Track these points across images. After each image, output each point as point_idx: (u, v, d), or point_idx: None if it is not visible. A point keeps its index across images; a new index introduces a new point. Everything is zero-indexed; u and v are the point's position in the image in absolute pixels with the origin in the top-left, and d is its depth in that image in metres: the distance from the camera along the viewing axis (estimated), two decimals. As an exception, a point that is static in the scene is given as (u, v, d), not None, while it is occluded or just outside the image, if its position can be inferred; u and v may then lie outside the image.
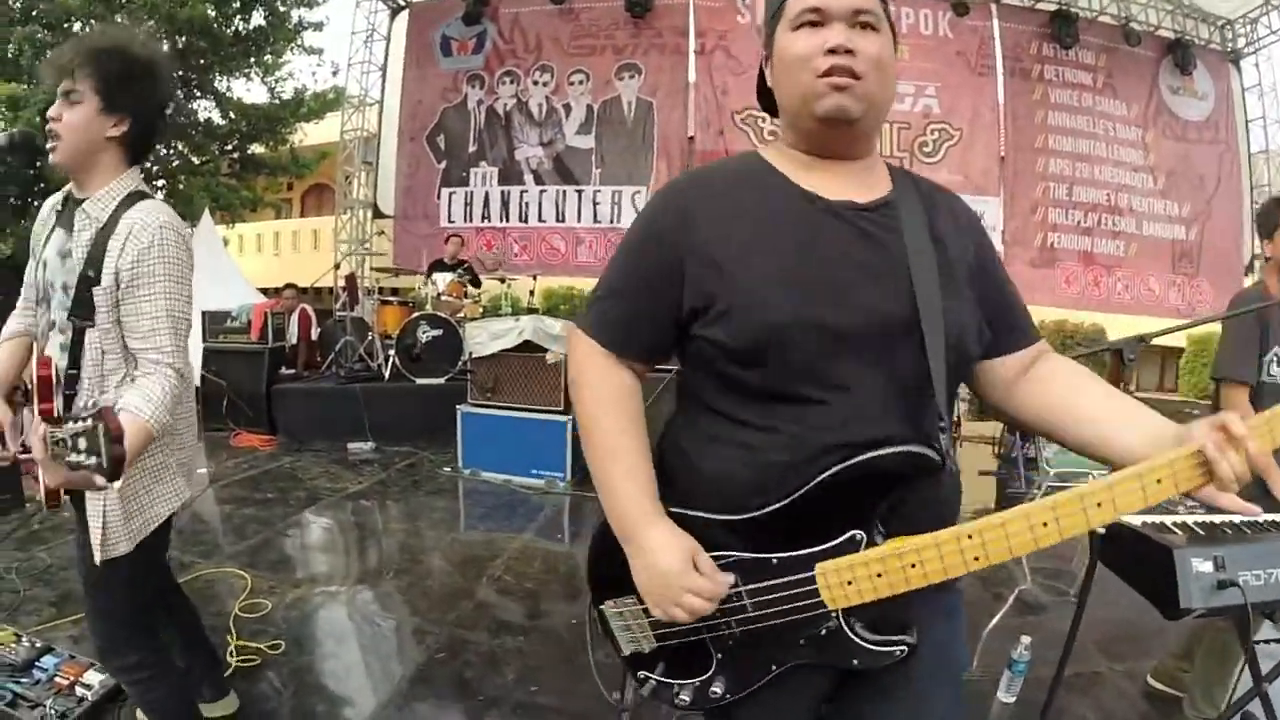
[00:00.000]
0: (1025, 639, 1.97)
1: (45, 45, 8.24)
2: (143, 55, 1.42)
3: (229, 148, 10.09)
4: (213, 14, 8.67)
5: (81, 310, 1.36)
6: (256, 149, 10.18)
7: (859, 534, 0.85)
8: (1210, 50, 7.93)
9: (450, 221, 8.27)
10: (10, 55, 8.50)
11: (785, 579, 0.88)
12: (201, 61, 8.99)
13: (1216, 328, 5.60)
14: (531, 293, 7.15)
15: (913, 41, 7.41)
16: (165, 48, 8.74)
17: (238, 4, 8.98)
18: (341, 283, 7.69)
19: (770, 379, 0.88)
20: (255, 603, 2.98)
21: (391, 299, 6.98)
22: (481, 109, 8.25)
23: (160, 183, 9.41)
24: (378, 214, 8.71)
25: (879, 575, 0.83)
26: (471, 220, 8.24)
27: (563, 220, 7.96)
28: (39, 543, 3.53)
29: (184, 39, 8.54)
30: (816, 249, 0.88)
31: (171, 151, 9.37)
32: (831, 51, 0.87)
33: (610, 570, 0.97)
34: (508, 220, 8.14)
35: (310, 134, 10.44)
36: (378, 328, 6.79)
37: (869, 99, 0.88)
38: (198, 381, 6.05)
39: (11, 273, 9.48)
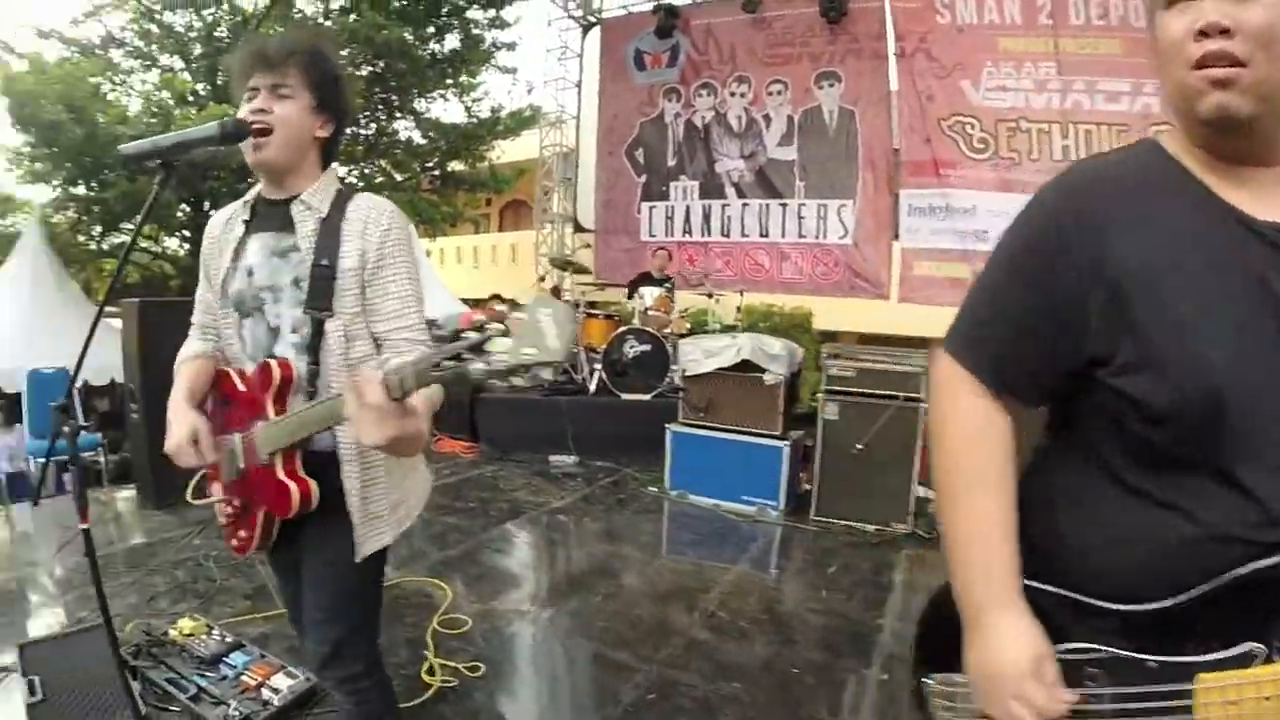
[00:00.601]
0: None
1: None
2: (341, 63, 1.73)
3: (430, 165, 12.18)
4: (410, 38, 10.53)
5: (319, 301, 1.59)
6: (456, 166, 12.25)
7: (1257, 648, 0.84)
8: None
9: (651, 235, 10.08)
10: (220, 83, 11.08)
11: (1159, 688, 0.88)
12: (400, 84, 10.97)
13: None
14: (739, 309, 8.63)
15: (1124, 36, 8.42)
16: (366, 71, 11.28)
17: (433, 29, 10.95)
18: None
19: (1191, 448, 0.87)
20: (455, 618, 3.41)
21: (596, 312, 8.45)
22: (679, 122, 9.89)
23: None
24: (578, 228, 10.71)
25: (1267, 699, 0.82)
26: (673, 234, 9.98)
27: (766, 235, 9.56)
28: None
29: (383, 62, 10.89)
30: (1263, 291, 0.85)
31: (375, 168, 12.07)
32: (1202, 34, 0.83)
33: (945, 642, 1.04)
34: (709, 234, 9.84)
35: (508, 151, 12.78)
36: (582, 341, 8.11)
37: (1259, 90, 0.83)
38: None
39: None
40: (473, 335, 1.21)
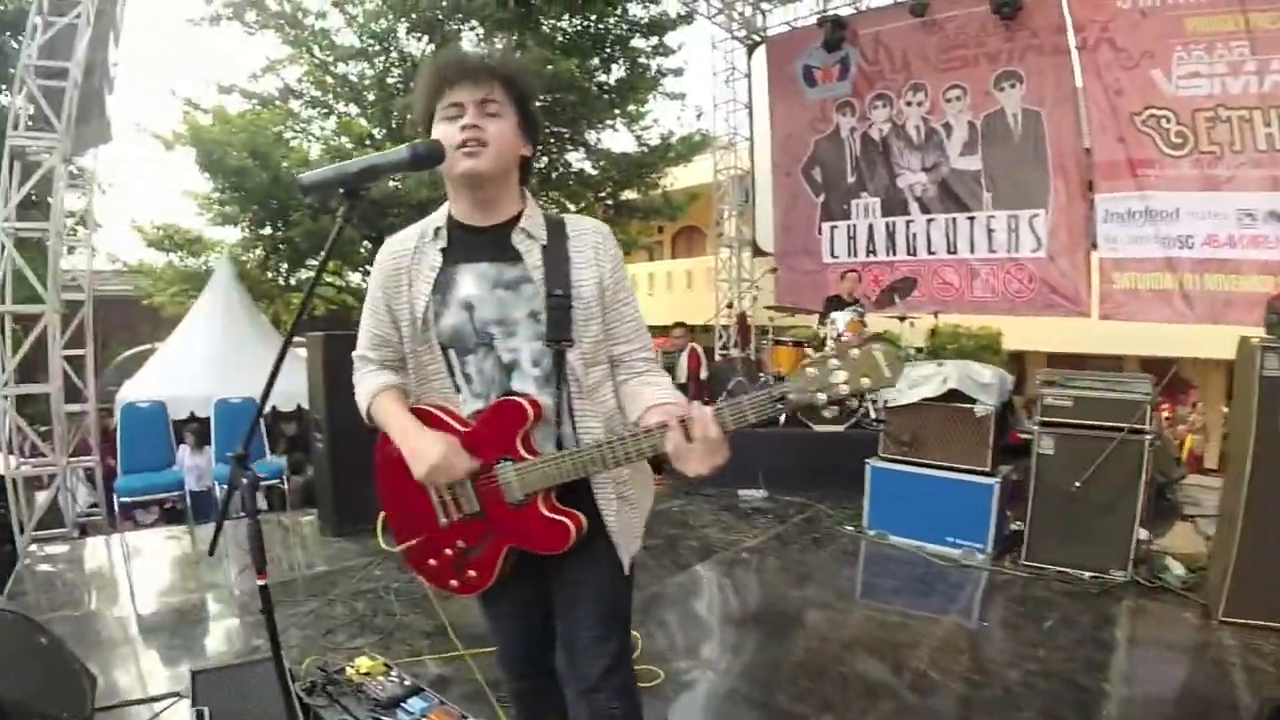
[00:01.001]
0: None
1: None
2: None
3: (602, 194, 14.90)
4: (577, 71, 12.84)
5: (560, 332, 1.98)
6: (629, 195, 14.92)
7: None
8: None
9: (834, 257, 11.66)
10: (394, 125, 13.82)
11: None
12: (570, 115, 13.45)
13: None
14: (933, 332, 9.94)
15: None
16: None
17: (598, 60, 13.46)
18: (729, 321, 12.02)
19: None
20: (647, 669, 3.83)
21: (784, 339, 9.78)
22: (855, 136, 11.39)
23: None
24: (757, 252, 12.63)
25: None
26: (856, 255, 11.48)
27: (954, 251, 10.79)
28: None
29: (552, 96, 13.24)
30: None
31: (548, 200, 14.65)
32: None
33: None
34: (894, 254, 11.24)
35: (680, 177, 15.11)
36: (770, 368, 9.37)
37: None
38: None
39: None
40: (810, 371, 1.73)
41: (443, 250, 2.13)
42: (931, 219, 11.12)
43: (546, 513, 2.10)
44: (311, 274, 15.22)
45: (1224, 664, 4.30)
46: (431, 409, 2.21)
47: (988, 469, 5.89)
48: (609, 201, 15.25)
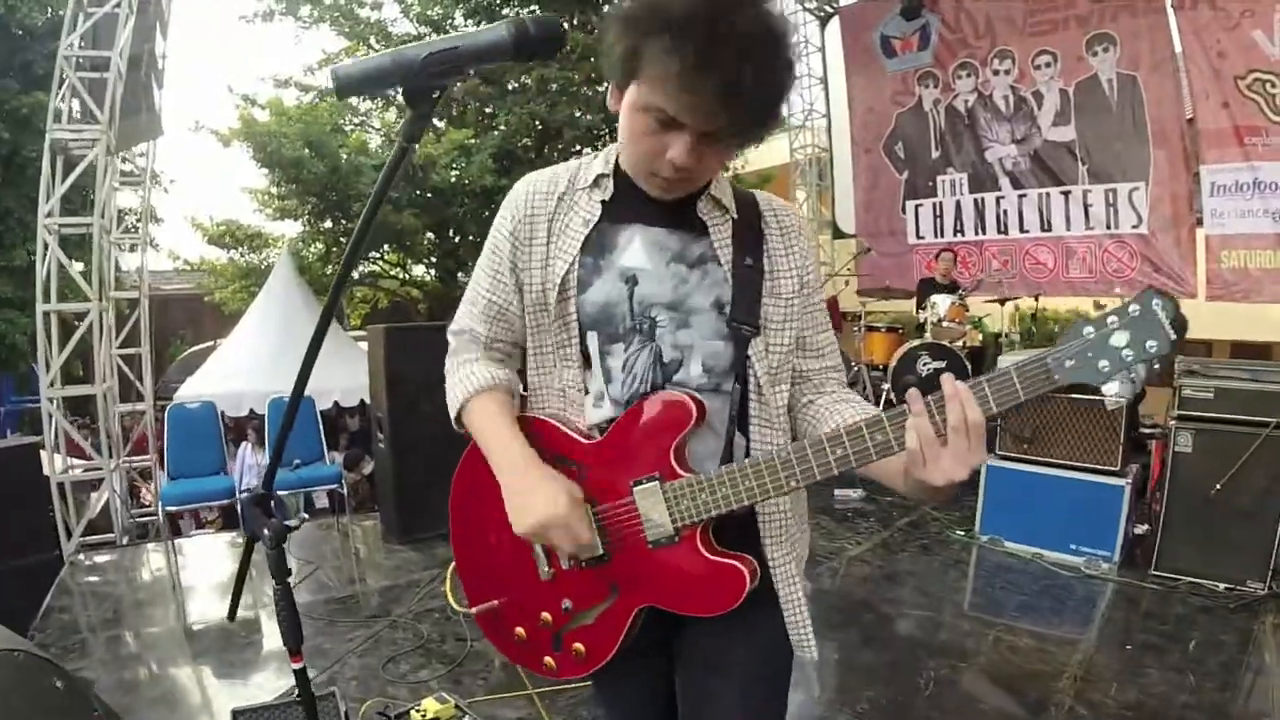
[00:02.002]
0: None
1: (487, 97, 13.79)
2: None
3: None
4: None
5: (747, 316, 1.66)
6: None
7: None
8: None
9: (920, 237, 11.70)
10: (454, 114, 14.13)
11: None
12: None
13: None
14: (1034, 315, 10.02)
15: None
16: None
17: None
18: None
19: None
20: None
21: (877, 325, 9.70)
22: (939, 109, 11.37)
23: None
24: (837, 234, 12.69)
25: None
26: (943, 234, 11.50)
27: (1049, 229, 10.72)
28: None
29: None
30: None
31: None
32: None
33: None
34: (983, 232, 11.21)
35: (750, 159, 15.10)
36: (863, 357, 9.31)
37: None
38: None
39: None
40: (1088, 331, 1.39)
41: (603, 203, 1.73)
42: (1023, 194, 11.03)
43: (707, 554, 1.60)
44: (375, 267, 15.37)
45: None
46: (552, 423, 1.75)
47: (1118, 468, 5.67)
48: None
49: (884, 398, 8.29)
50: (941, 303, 8.87)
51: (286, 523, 1.78)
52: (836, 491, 7.62)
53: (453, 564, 1.91)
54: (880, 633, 4.98)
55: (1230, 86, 9.59)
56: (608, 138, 14.77)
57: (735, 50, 1.39)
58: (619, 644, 1.69)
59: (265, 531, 1.72)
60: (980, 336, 9.57)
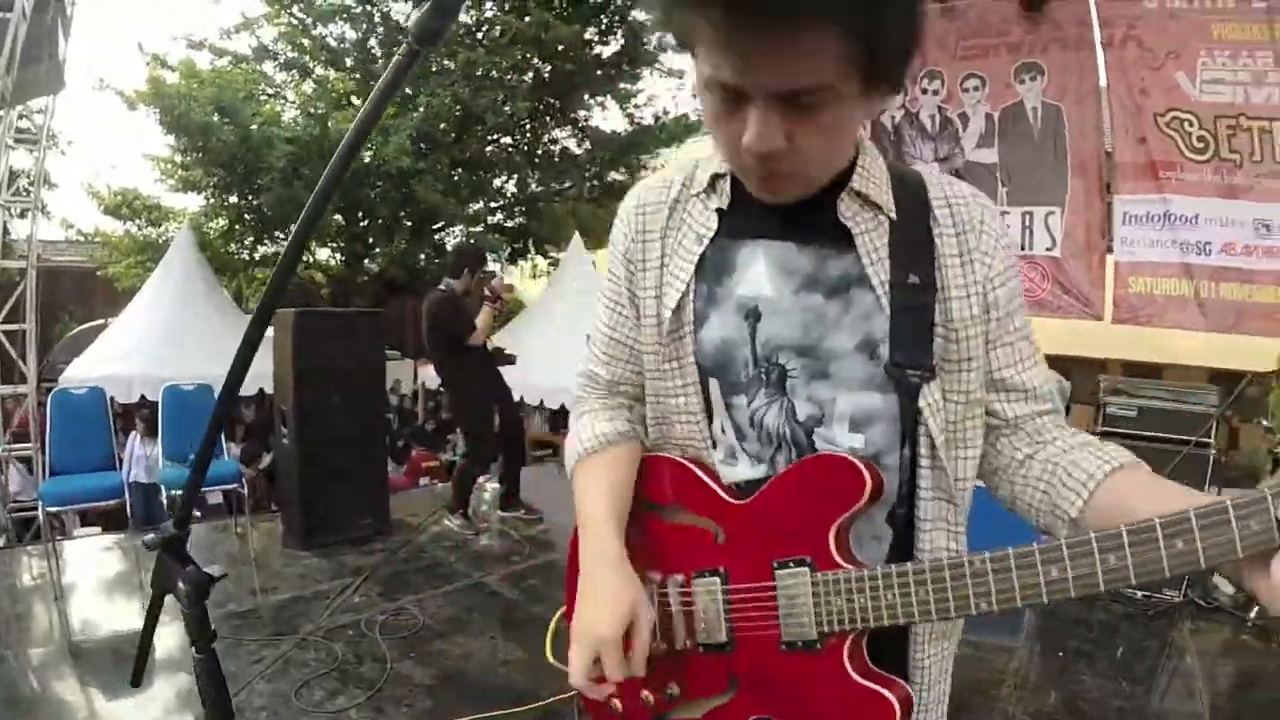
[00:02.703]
0: None
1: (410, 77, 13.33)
2: None
3: (588, 175, 15.08)
4: (578, 34, 12.90)
5: (913, 355, 1.27)
6: (615, 176, 15.04)
7: None
8: None
9: None
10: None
11: None
12: (565, 87, 13.74)
13: None
14: None
15: None
16: (531, 76, 13.80)
17: (596, 31, 13.47)
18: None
19: None
20: None
21: None
22: (866, 124, 11.89)
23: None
24: None
25: None
26: None
27: None
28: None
29: (550, 65, 13.23)
30: None
31: (533, 177, 14.59)
32: None
33: None
34: None
35: (670, 160, 15.15)
36: None
37: None
38: None
39: (382, 286, 15.53)
40: None
41: (720, 212, 1.43)
42: None
43: (854, 674, 1.26)
44: (280, 248, 14.84)
45: None
46: (694, 469, 1.46)
47: None
48: (594, 183, 15.30)
49: None
50: None
51: (208, 572, 1.42)
52: None
53: (560, 611, 1.63)
54: None
55: (1150, 123, 10.04)
56: (530, 128, 14.64)
57: None
58: None
59: (181, 585, 1.36)
60: None
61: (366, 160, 12.97)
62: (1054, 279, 10.67)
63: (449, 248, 15.80)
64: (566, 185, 15.41)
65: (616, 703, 1.49)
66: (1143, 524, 1.03)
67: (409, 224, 15.05)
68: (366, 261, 15.51)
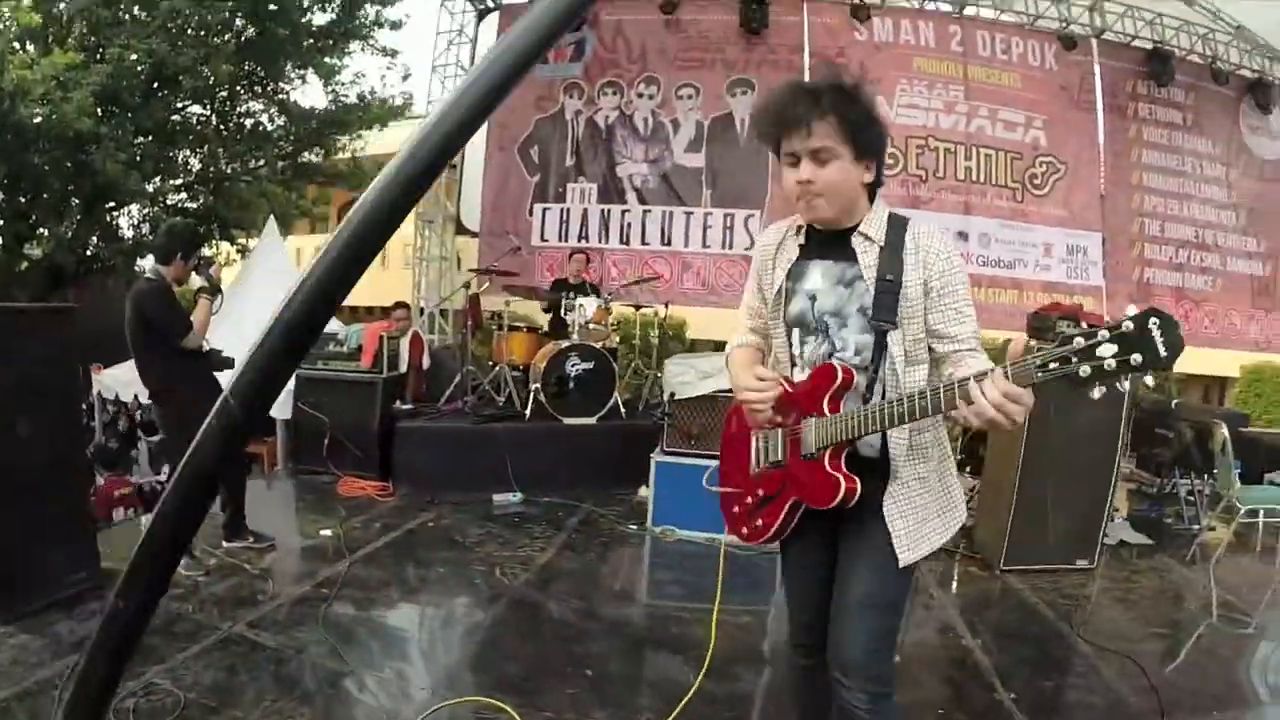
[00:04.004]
0: None
1: (101, 21, 11.53)
2: (871, 98, 2.33)
3: (281, 153, 13.74)
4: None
5: (884, 316, 2.28)
6: (309, 157, 13.99)
7: None
8: (1287, 90, 12.37)
9: (544, 240, 11.78)
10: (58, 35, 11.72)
11: None
12: (271, 54, 12.47)
13: (1268, 358, 12.24)
14: (661, 323, 10.15)
15: (1022, 71, 11.58)
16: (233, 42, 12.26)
17: None
18: (426, 305, 11.36)
19: None
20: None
21: (519, 325, 9.24)
22: (580, 120, 11.81)
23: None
24: (460, 229, 12.37)
25: None
26: (567, 239, 11.65)
27: (669, 243, 11.50)
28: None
29: (257, 29, 12.05)
30: None
31: (227, 153, 12.98)
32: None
33: None
34: (607, 241, 11.62)
35: (371, 142, 14.20)
36: (504, 357, 8.86)
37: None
38: (288, 414, 8.12)
39: (47, 275, 12.57)
40: (1079, 338, 1.76)
41: (801, 246, 2.48)
42: (648, 210, 11.73)
43: (828, 468, 2.32)
44: None
45: (1026, 602, 5.61)
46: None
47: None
48: (284, 161, 14.08)
49: (531, 398, 8.11)
50: (589, 305, 8.71)
51: None
52: (495, 497, 7.33)
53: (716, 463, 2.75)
54: (627, 632, 4.89)
55: None
56: (227, 97, 13.07)
57: (781, 101, 2.30)
58: (779, 524, 2.49)
59: None
60: (618, 338, 9.78)
61: (39, 119, 10.67)
62: (749, 275, 10.98)
63: (125, 231, 13.80)
64: (260, 164, 14.00)
65: (736, 508, 2.63)
66: (933, 387, 2.12)
67: (78, 201, 12.43)
68: (33, 245, 12.71)
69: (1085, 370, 1.75)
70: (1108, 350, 1.72)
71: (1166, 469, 8.38)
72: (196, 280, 5.70)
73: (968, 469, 7.43)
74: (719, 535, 6.00)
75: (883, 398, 2.33)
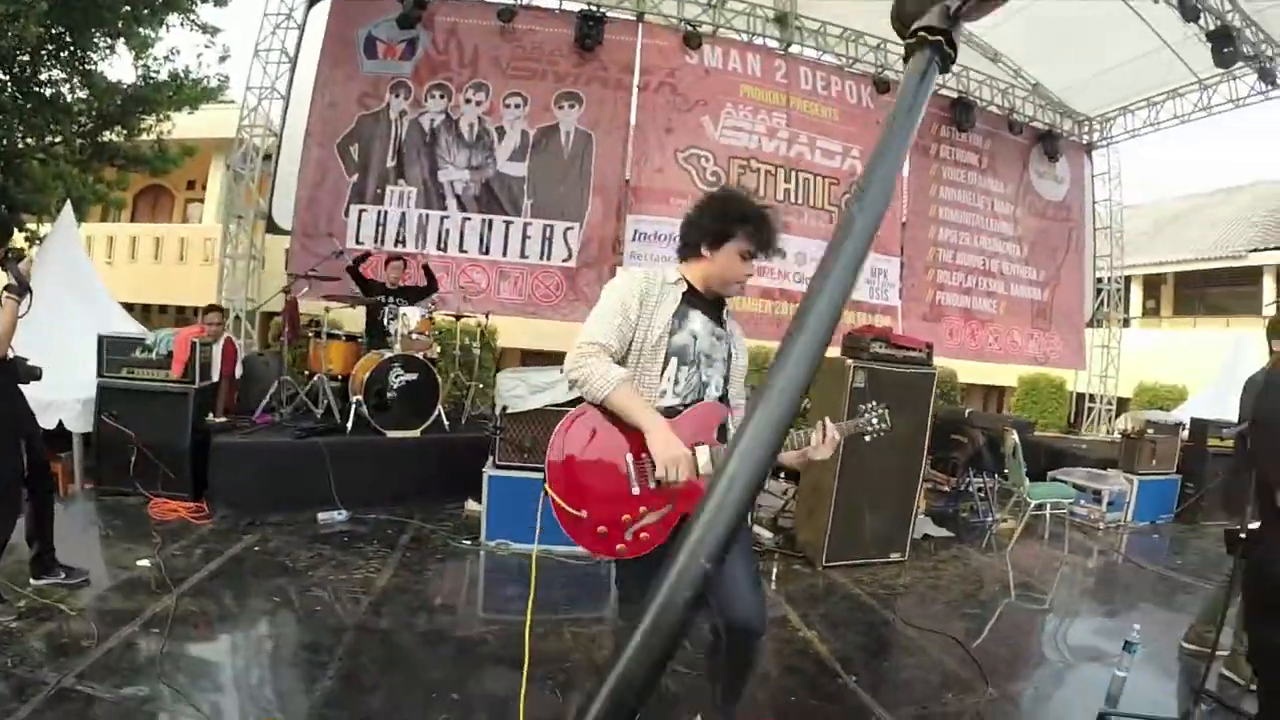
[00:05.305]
0: (1136, 626, 4.23)
1: None
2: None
3: (76, 130, 12.61)
4: None
5: (729, 372, 3.22)
6: (111, 136, 12.86)
7: None
8: (1071, 141, 14.39)
9: (359, 242, 11.08)
10: None
11: None
12: (83, 19, 11.33)
13: (1043, 370, 15.76)
14: (482, 332, 10.27)
15: (841, 107, 12.40)
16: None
17: None
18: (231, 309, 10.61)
19: None
20: None
21: (338, 333, 9.11)
22: (404, 121, 11.50)
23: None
24: (271, 227, 11.55)
25: None
26: (383, 242, 11.14)
27: (487, 252, 11.35)
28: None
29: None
30: None
31: (18, 125, 11.58)
32: None
33: None
34: (424, 246, 11.24)
35: (179, 125, 13.07)
36: (322, 365, 8.60)
37: None
38: (87, 427, 7.38)
39: None
40: (874, 418, 3.47)
41: (685, 294, 3.11)
42: (468, 218, 11.56)
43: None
44: None
45: (851, 594, 6.19)
46: None
47: None
48: (81, 140, 12.92)
49: (353, 411, 7.91)
50: (413, 315, 8.53)
51: None
52: (320, 516, 7.04)
53: (547, 489, 2.85)
54: (476, 650, 4.84)
55: (670, 156, 11.73)
56: (29, 62, 11.58)
57: (771, 223, 3.08)
58: (669, 533, 2.80)
59: None
60: (439, 348, 9.61)
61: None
62: (569, 286, 11.44)
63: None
64: (57, 140, 12.68)
65: (602, 528, 2.78)
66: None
67: None
68: None
69: (870, 426, 3.43)
70: (879, 424, 3.44)
71: (961, 469, 9.35)
72: (1, 277, 4.76)
73: (781, 474, 8.31)
74: (553, 547, 6.09)
75: (726, 428, 3.07)
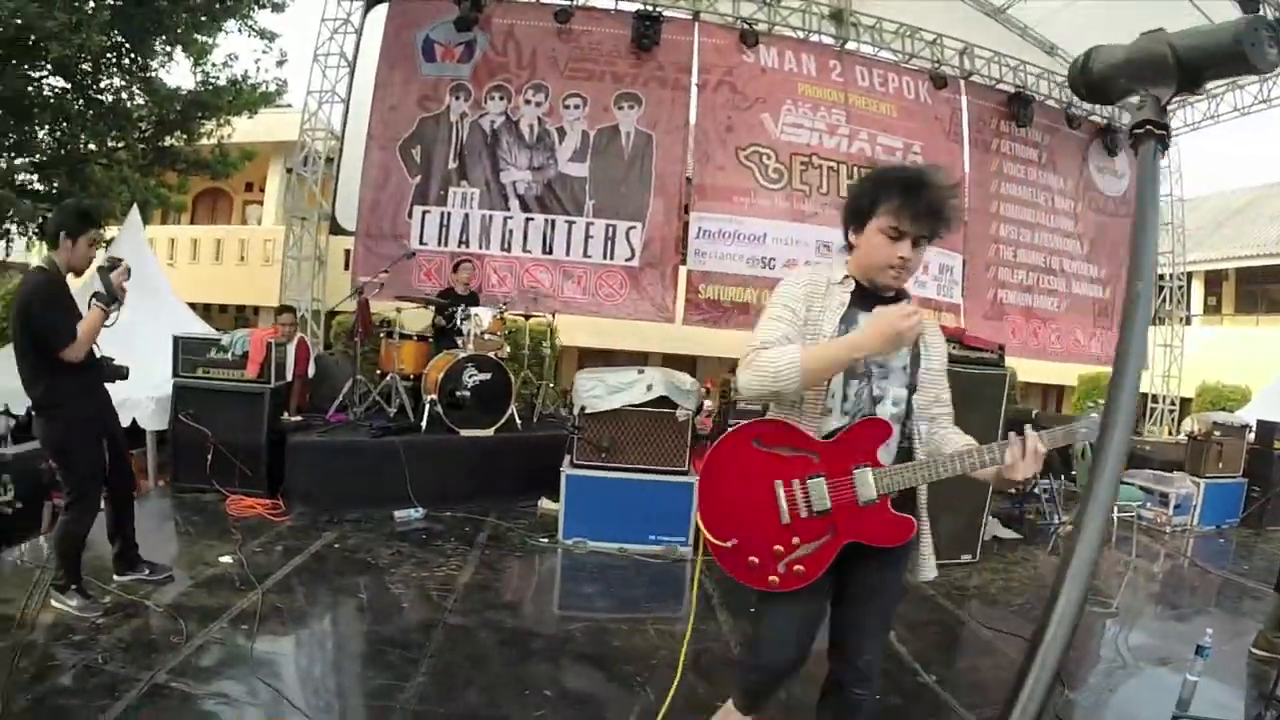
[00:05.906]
0: (1209, 630, 4.05)
1: None
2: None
3: (138, 135, 12.86)
4: None
5: (914, 382, 2.67)
6: (172, 141, 13.08)
7: None
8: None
9: (422, 244, 11.34)
10: None
11: None
12: (145, 27, 11.52)
13: (1104, 369, 13.41)
14: (550, 332, 10.14)
15: (900, 103, 12.35)
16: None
17: None
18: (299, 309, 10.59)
19: None
20: None
21: (409, 333, 8.83)
22: (465, 123, 11.63)
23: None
24: (335, 229, 11.78)
25: None
26: (447, 244, 11.34)
27: (550, 252, 11.43)
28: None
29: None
30: None
31: (89, 133, 11.86)
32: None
33: None
34: (488, 247, 11.39)
35: (237, 130, 13.19)
36: (394, 366, 8.51)
37: None
38: (162, 425, 7.58)
39: None
40: (1092, 416, 2.72)
41: (851, 293, 2.65)
42: (530, 218, 11.61)
43: (892, 511, 2.57)
44: None
45: (926, 595, 5.96)
46: (789, 422, 2.64)
47: (685, 469, 6.64)
48: (143, 145, 13.17)
49: (427, 410, 7.88)
50: (484, 315, 8.66)
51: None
52: (396, 514, 7.03)
53: (699, 518, 2.70)
54: (571, 650, 4.76)
55: (731, 154, 11.68)
56: (91, 70, 11.72)
57: (922, 189, 2.46)
58: (827, 567, 2.58)
59: None
60: (509, 349, 9.55)
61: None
62: (631, 285, 11.48)
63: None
64: (120, 145, 12.89)
65: (754, 559, 2.59)
66: (977, 447, 2.51)
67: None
68: None
69: (1083, 431, 2.62)
70: (1088, 433, 2.61)
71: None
72: (97, 258, 4.72)
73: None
74: (629, 545, 6.50)
75: (910, 446, 2.68)
